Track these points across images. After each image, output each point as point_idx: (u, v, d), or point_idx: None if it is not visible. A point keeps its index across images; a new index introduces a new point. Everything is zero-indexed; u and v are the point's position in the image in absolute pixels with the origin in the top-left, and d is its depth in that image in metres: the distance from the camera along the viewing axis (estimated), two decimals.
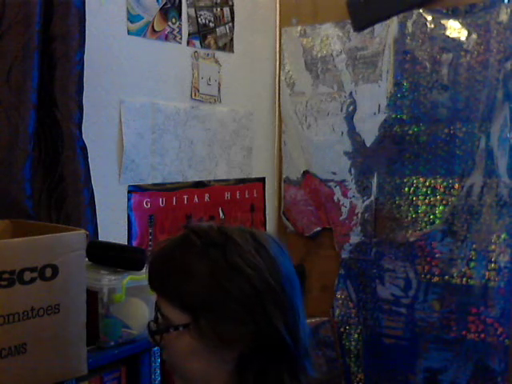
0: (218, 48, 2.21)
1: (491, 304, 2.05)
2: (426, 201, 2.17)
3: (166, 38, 2.00)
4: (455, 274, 2.11)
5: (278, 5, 2.49)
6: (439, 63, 2.12)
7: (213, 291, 0.91)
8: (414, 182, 2.19)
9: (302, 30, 2.42)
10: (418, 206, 2.18)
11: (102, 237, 1.69)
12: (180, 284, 0.93)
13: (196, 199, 2.13)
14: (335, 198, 2.36)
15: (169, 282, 0.94)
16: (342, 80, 2.33)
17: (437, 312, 2.15)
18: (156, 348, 1.48)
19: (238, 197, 2.33)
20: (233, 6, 2.27)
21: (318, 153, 2.39)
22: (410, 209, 2.20)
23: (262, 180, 2.48)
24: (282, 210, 2.52)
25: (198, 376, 0.95)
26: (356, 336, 2.33)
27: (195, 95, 2.12)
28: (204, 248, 0.93)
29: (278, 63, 2.49)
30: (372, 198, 2.28)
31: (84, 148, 1.64)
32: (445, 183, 2.13)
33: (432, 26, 2.13)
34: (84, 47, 1.62)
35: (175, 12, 2.02)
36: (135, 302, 1.47)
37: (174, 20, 2.02)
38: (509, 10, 1.99)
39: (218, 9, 2.21)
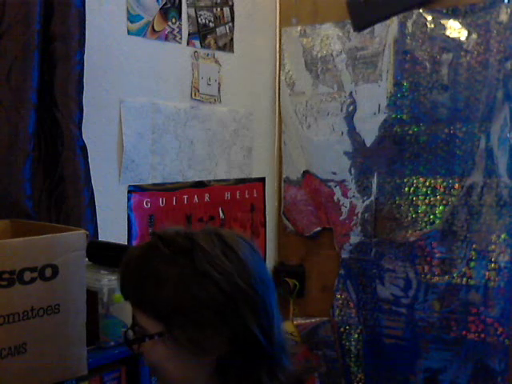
0: (218, 48, 2.21)
1: (491, 304, 2.05)
2: (426, 201, 2.17)
3: (166, 38, 2.00)
4: (455, 274, 2.11)
5: (277, 5, 2.49)
6: (439, 63, 2.12)
7: (183, 299, 0.91)
8: (414, 181, 2.19)
9: (302, 29, 2.42)
10: (418, 205, 2.18)
11: (102, 237, 1.69)
12: (151, 293, 0.93)
13: (196, 199, 2.13)
14: (335, 198, 2.36)
15: (140, 292, 0.95)
16: (342, 80, 2.33)
17: (437, 312, 2.15)
18: None
19: (238, 197, 2.33)
20: (233, 6, 2.26)
21: (318, 153, 2.39)
22: (410, 209, 2.20)
23: (262, 180, 2.48)
24: (282, 210, 2.52)
25: (178, 381, 0.96)
26: (356, 336, 2.33)
27: (195, 95, 2.12)
28: (172, 256, 0.93)
29: (278, 63, 2.49)
30: (372, 198, 2.28)
31: (84, 148, 1.64)
32: (445, 183, 2.13)
33: (432, 25, 2.13)
34: (84, 47, 1.62)
35: (175, 12, 2.02)
36: None
37: (173, 20, 2.02)
38: (509, 10, 1.99)
39: (218, 9, 2.21)
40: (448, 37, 2.11)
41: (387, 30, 2.22)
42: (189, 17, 2.08)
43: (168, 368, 0.95)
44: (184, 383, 0.96)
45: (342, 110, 2.33)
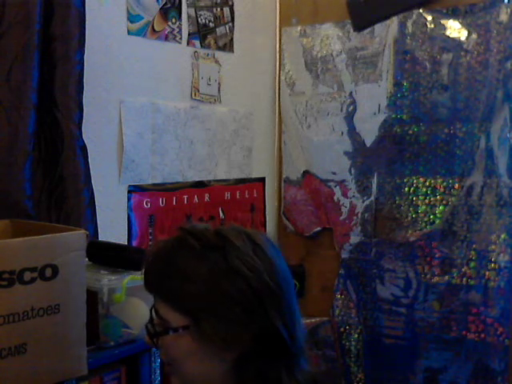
0: (218, 48, 2.21)
1: (491, 304, 2.05)
2: (426, 201, 2.16)
3: (166, 38, 2.00)
4: (455, 274, 2.11)
5: (278, 5, 2.49)
6: (439, 63, 2.12)
7: (214, 294, 0.91)
8: (414, 181, 2.19)
9: (302, 29, 2.42)
10: (418, 205, 2.18)
11: (102, 237, 1.69)
12: (180, 287, 0.93)
13: (196, 199, 2.13)
14: (335, 198, 2.36)
15: (168, 285, 0.95)
16: (342, 80, 2.33)
17: (437, 312, 2.15)
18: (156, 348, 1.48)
19: (237, 197, 2.33)
20: (233, 5, 2.26)
21: (317, 153, 2.39)
22: (410, 209, 2.20)
23: (262, 180, 2.48)
24: (282, 210, 2.52)
25: (197, 376, 0.96)
26: (356, 336, 2.33)
27: (195, 95, 2.12)
28: (203, 251, 0.94)
29: (278, 63, 2.49)
30: (372, 198, 2.28)
31: (84, 148, 1.64)
32: (445, 183, 2.13)
33: (432, 26, 2.13)
34: (84, 47, 1.62)
35: (175, 12, 2.02)
36: (135, 302, 1.47)
37: (173, 20, 2.02)
38: (509, 10, 1.99)
39: (218, 9, 2.21)
40: (448, 37, 2.11)
41: (387, 29, 2.22)
42: (189, 17, 2.08)
43: (188, 362, 0.95)
44: (203, 379, 0.96)
45: (342, 110, 2.33)
